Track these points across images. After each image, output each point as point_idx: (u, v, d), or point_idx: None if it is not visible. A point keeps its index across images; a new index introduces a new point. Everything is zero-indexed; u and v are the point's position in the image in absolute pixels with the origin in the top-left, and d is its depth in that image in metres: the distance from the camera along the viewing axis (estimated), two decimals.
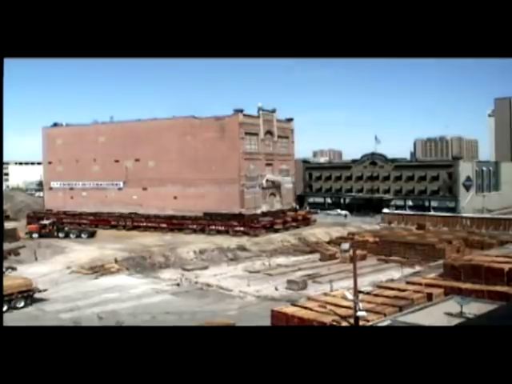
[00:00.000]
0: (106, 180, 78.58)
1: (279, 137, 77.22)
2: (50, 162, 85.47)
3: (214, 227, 65.11)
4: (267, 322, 26.54)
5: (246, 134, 70.24)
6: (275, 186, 74.79)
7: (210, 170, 69.24)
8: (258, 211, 70.04)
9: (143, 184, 75.10)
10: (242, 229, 63.45)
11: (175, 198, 71.96)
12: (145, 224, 69.85)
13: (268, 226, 65.36)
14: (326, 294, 31.10)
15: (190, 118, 71.66)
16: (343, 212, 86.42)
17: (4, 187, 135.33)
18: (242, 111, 69.54)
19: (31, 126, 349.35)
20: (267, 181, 72.87)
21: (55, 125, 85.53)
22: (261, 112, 73.28)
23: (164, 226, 68.15)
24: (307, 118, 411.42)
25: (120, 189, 77.75)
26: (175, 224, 67.79)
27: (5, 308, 32.34)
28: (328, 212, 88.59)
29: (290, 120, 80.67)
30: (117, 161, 77.59)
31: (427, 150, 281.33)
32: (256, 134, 72.33)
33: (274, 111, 76.48)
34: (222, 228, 64.68)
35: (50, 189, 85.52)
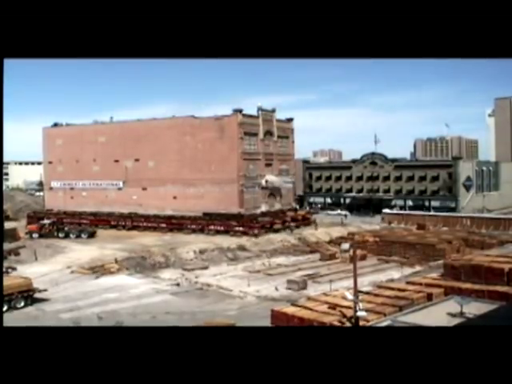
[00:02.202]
0: (106, 180, 78.63)
1: (279, 137, 76.68)
2: (50, 162, 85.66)
3: (213, 227, 64.91)
4: (267, 322, 26.55)
5: (246, 134, 69.79)
6: (275, 187, 74.36)
7: (210, 170, 68.91)
8: (258, 211, 69.66)
9: (143, 184, 74.99)
10: (241, 229, 63.13)
11: (175, 198, 71.81)
12: (144, 224, 69.82)
13: (267, 226, 65.00)
14: (326, 294, 31.12)
15: (190, 117, 71.37)
16: (343, 212, 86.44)
17: (4, 187, 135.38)
18: (241, 111, 69.07)
19: (31, 126, 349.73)
20: (267, 181, 72.50)
21: (55, 125, 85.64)
22: (260, 112, 72.76)
23: (163, 225, 68.11)
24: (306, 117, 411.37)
25: (120, 189, 77.77)
26: (174, 224, 67.68)
27: (5, 308, 32.33)
28: (328, 212, 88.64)
29: (290, 120, 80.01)
30: (116, 161, 77.62)
31: (427, 149, 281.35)
32: (255, 134, 71.92)
33: (273, 111, 75.89)
34: (222, 228, 64.41)
35: (51, 189, 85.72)
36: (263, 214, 69.06)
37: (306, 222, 71.68)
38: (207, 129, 69.50)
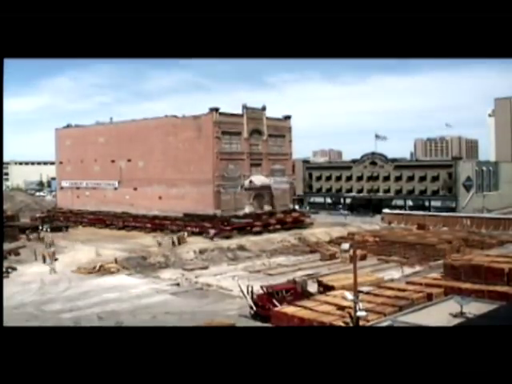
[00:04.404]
0: (104, 180, 79.15)
1: (272, 136, 73.97)
2: (61, 162, 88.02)
3: (189, 228, 63.56)
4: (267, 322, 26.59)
5: (225, 133, 67.45)
6: (263, 187, 71.39)
7: (189, 171, 67.47)
8: (240, 213, 67.35)
9: (134, 184, 74.77)
10: (213, 230, 61.36)
11: (160, 198, 70.95)
12: (133, 224, 70.05)
13: (244, 227, 62.68)
14: (326, 294, 31.16)
15: (173, 117, 70.44)
16: (345, 212, 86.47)
17: (4, 187, 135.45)
18: (217, 110, 66.88)
19: (31, 127, 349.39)
20: (251, 181, 69.70)
21: (68, 126, 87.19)
22: (245, 110, 70.21)
23: (149, 226, 68.06)
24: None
25: (116, 188, 78.04)
26: (157, 224, 67.27)
27: None
28: (330, 212, 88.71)
29: (287, 118, 76.87)
30: (113, 161, 77.97)
31: (427, 149, 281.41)
32: (238, 133, 69.49)
33: (263, 109, 72.86)
34: (196, 229, 63.04)
35: (61, 188, 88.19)
36: (246, 216, 66.70)
37: (298, 224, 69.02)
38: (187, 128, 68.31)
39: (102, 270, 45.81)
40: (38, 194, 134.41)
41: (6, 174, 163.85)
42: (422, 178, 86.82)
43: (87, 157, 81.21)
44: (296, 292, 32.11)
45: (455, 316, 18.88)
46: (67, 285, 41.11)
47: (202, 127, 67.21)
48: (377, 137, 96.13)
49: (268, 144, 73.85)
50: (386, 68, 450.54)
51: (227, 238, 59.46)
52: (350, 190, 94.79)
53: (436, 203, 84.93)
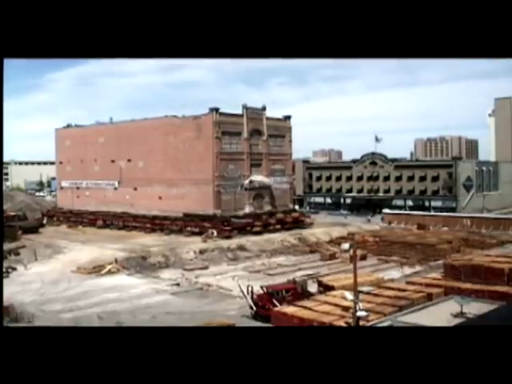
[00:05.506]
0: (104, 180, 79.22)
1: (272, 136, 74.03)
2: (61, 162, 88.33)
3: (189, 228, 63.77)
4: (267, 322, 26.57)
5: (225, 133, 67.56)
6: (263, 187, 71.50)
7: (189, 171, 67.51)
8: (240, 213, 67.37)
9: (134, 184, 74.88)
10: (213, 231, 61.51)
11: (160, 198, 70.94)
12: (133, 224, 70.17)
13: (244, 227, 62.77)
14: (326, 294, 31.16)
15: (172, 117, 70.55)
16: (344, 212, 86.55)
17: (4, 187, 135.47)
18: (217, 110, 66.93)
19: (31, 127, 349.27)
20: (251, 181, 69.79)
21: (68, 126, 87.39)
22: (245, 110, 70.27)
23: (148, 226, 68.16)
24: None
25: (116, 188, 78.13)
26: (157, 224, 67.39)
27: None
28: (330, 212, 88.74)
29: (287, 118, 76.97)
30: (113, 161, 78.10)
31: (427, 149, 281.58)
32: (238, 134, 69.60)
33: (263, 109, 72.96)
34: (196, 229, 63.14)
35: (62, 188, 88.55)
36: (246, 216, 66.72)
37: (298, 224, 69.21)
38: (187, 128, 68.37)
39: (102, 270, 45.78)
40: (37, 193, 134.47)
41: (6, 174, 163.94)
42: (422, 178, 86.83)
43: (87, 157, 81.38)
44: (296, 292, 32.11)
45: (455, 316, 18.89)
46: (67, 285, 41.10)
47: (201, 127, 67.24)
48: (377, 140, 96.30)
49: (268, 144, 73.84)
50: (386, 68, 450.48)
51: (227, 237, 59.40)
52: (350, 190, 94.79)
53: (436, 203, 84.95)
